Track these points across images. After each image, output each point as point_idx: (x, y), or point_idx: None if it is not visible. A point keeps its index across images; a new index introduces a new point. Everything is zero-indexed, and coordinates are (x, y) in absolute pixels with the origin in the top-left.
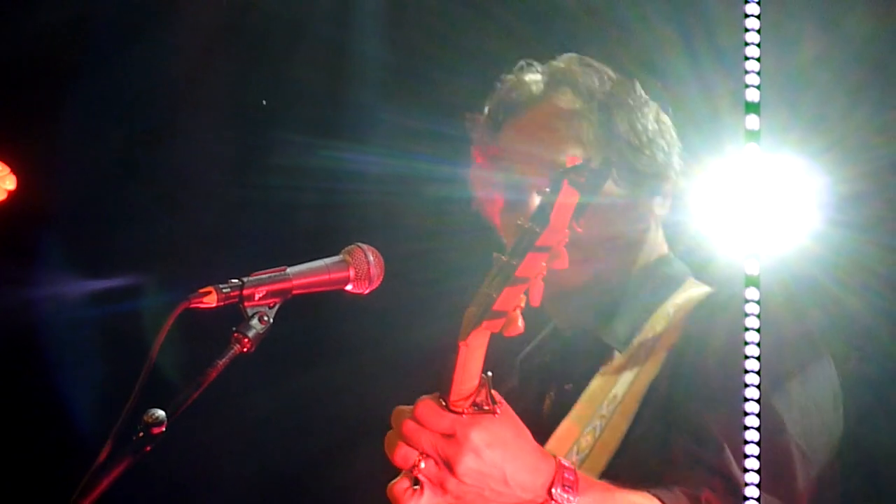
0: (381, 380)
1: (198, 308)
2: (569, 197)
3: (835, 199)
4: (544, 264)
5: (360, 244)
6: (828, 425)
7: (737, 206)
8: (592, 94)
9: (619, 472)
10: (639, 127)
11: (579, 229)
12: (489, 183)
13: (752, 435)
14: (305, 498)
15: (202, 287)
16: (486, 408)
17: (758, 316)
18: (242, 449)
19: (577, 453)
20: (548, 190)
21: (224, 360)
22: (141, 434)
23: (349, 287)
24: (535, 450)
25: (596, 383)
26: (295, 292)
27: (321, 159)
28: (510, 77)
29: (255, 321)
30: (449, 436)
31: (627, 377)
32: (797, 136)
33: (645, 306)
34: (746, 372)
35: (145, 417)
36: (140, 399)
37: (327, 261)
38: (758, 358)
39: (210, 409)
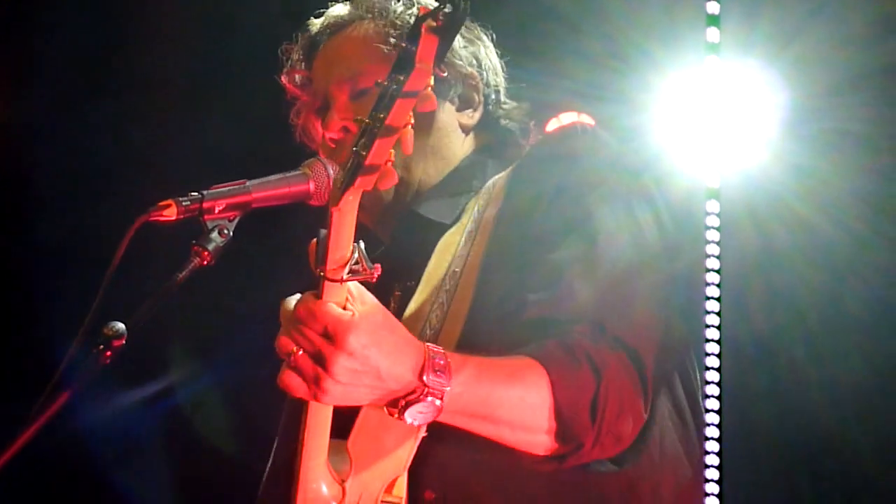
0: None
1: (157, 221)
2: (428, 42)
3: (795, 112)
4: (412, 111)
5: (320, 157)
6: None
7: (697, 119)
8: (387, 14)
9: (476, 338)
10: None
11: (442, 73)
12: (306, 108)
13: (712, 347)
14: None
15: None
16: (362, 272)
17: (718, 229)
18: None
19: (430, 329)
20: (405, 44)
21: (184, 273)
22: (101, 346)
23: (311, 200)
24: (406, 341)
25: (433, 263)
26: (255, 205)
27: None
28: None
29: (214, 234)
30: (327, 336)
31: (464, 250)
32: (757, 50)
33: (467, 181)
34: (707, 289)
35: (105, 330)
36: (99, 313)
37: (287, 174)
38: (718, 271)
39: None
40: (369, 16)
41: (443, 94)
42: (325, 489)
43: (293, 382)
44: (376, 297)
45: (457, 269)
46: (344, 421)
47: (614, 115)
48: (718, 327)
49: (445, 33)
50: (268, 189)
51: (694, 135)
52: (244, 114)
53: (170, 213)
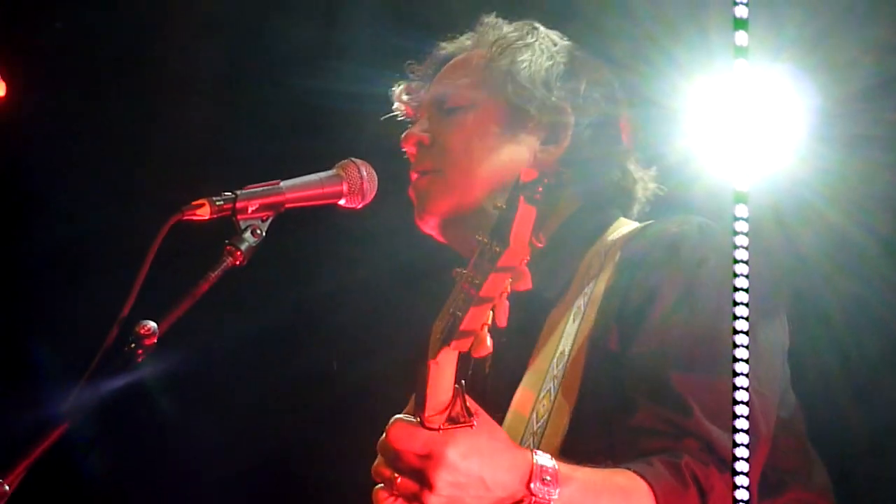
0: (375, 295)
1: (191, 220)
2: (526, 214)
3: (822, 116)
4: (508, 284)
5: (353, 159)
6: (776, 369)
7: (725, 123)
8: (496, 38)
9: (581, 438)
10: (520, 65)
11: (539, 244)
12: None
13: (741, 381)
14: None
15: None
16: (461, 420)
17: (747, 234)
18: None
19: (537, 421)
20: (503, 206)
21: (216, 272)
22: (133, 345)
23: (342, 202)
24: (509, 448)
25: (540, 344)
26: (288, 206)
27: (315, 78)
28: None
29: (247, 234)
30: (424, 456)
31: (571, 329)
32: (785, 55)
33: (572, 250)
34: (736, 306)
35: (137, 328)
36: (132, 311)
37: (321, 175)
38: (746, 290)
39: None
40: (482, 47)
41: (520, 126)
42: None
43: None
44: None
45: (564, 351)
46: None
47: (642, 119)
48: (747, 333)
49: (545, 206)
50: (301, 190)
51: (722, 139)
52: (272, 115)
53: (203, 212)
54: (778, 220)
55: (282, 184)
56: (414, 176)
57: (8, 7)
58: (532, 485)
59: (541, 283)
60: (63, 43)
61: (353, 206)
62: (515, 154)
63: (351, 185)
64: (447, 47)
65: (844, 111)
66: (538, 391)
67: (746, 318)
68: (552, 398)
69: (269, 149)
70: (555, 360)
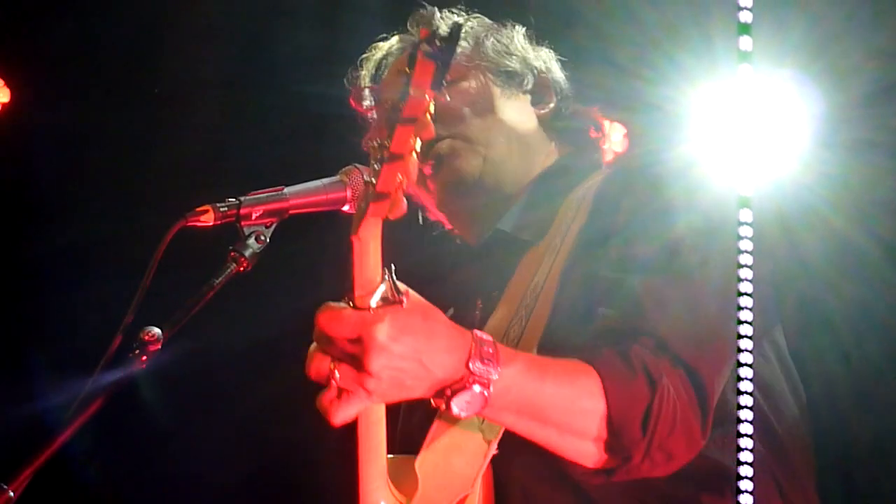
0: None
1: (195, 226)
2: (424, 66)
3: (826, 122)
4: (413, 138)
5: (357, 165)
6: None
7: (729, 128)
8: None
9: (551, 350)
10: (503, 39)
11: (442, 98)
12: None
13: (745, 372)
14: None
15: (199, 206)
16: (391, 299)
17: (751, 239)
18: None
19: (508, 341)
20: (408, 69)
21: (221, 279)
22: (137, 351)
23: (346, 207)
24: (448, 327)
25: (516, 277)
26: (292, 212)
27: (318, 84)
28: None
29: (251, 240)
30: (355, 339)
31: (546, 265)
32: (789, 60)
33: (552, 196)
34: (740, 306)
35: (142, 334)
36: (137, 317)
37: (324, 181)
38: (750, 280)
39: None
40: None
41: (516, 86)
42: None
43: (338, 400)
44: (459, 307)
45: (538, 283)
46: (414, 441)
47: (645, 124)
48: (751, 337)
49: (441, 58)
50: (305, 196)
51: (725, 143)
52: (275, 121)
53: (207, 218)
54: (781, 225)
55: (285, 190)
56: (426, 168)
57: (13, 14)
58: (471, 363)
59: (520, 225)
60: (67, 49)
61: None
62: (507, 124)
63: (355, 191)
64: (382, 46)
65: (848, 117)
66: (511, 318)
67: (750, 323)
68: (523, 325)
69: (272, 154)
70: (528, 291)
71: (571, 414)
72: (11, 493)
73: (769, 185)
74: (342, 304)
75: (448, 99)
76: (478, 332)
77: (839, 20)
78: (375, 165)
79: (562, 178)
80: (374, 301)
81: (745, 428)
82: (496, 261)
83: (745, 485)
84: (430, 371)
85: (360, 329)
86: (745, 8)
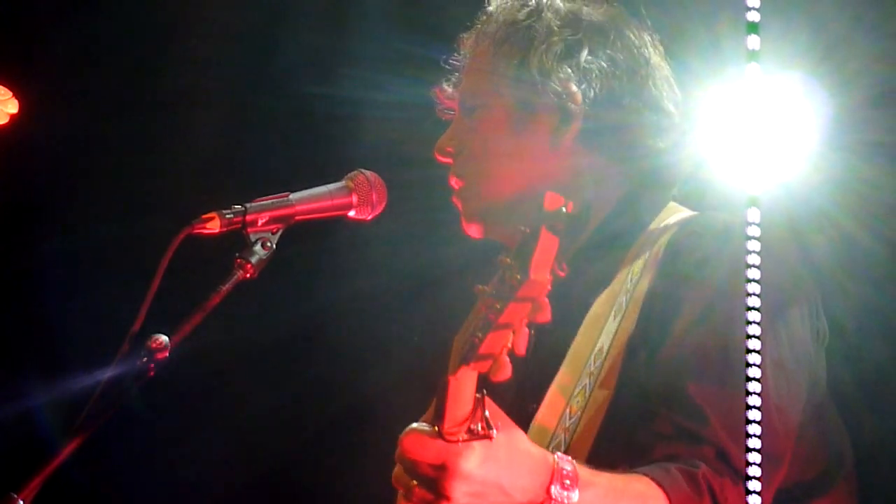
0: (384, 305)
1: (201, 234)
2: (547, 244)
3: (834, 123)
4: (527, 313)
5: (362, 170)
6: (800, 379)
7: (737, 127)
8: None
9: (611, 438)
10: (528, 58)
11: (561, 273)
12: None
13: (753, 399)
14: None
15: (205, 213)
16: (480, 432)
17: (759, 239)
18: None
19: (570, 417)
20: (527, 231)
21: (227, 285)
22: (144, 359)
23: (352, 213)
24: (528, 452)
25: (580, 337)
26: (298, 218)
27: (324, 86)
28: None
29: (257, 247)
30: (438, 467)
31: (612, 326)
32: (797, 62)
33: (617, 242)
34: (749, 300)
35: (149, 342)
36: (143, 325)
37: (330, 186)
38: (759, 281)
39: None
40: (484, 40)
41: (531, 119)
42: None
43: None
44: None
45: (603, 347)
46: None
47: (652, 125)
48: (759, 337)
49: (565, 234)
50: (311, 202)
51: (734, 145)
52: (281, 124)
53: (213, 225)
54: (790, 226)
55: (291, 196)
56: (450, 181)
57: (21, 23)
58: (552, 488)
59: (584, 275)
60: (73, 56)
61: (363, 217)
62: (531, 147)
63: (360, 196)
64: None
65: (855, 119)
66: (574, 385)
67: (759, 323)
68: (587, 394)
69: (278, 158)
70: (593, 356)
71: None
72: (21, 502)
73: (777, 187)
74: (427, 428)
75: (466, 135)
76: (559, 455)
77: (846, 23)
78: (482, 323)
79: (629, 217)
80: (463, 434)
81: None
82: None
83: (754, 489)
84: (510, 496)
85: (445, 457)
86: (753, 8)
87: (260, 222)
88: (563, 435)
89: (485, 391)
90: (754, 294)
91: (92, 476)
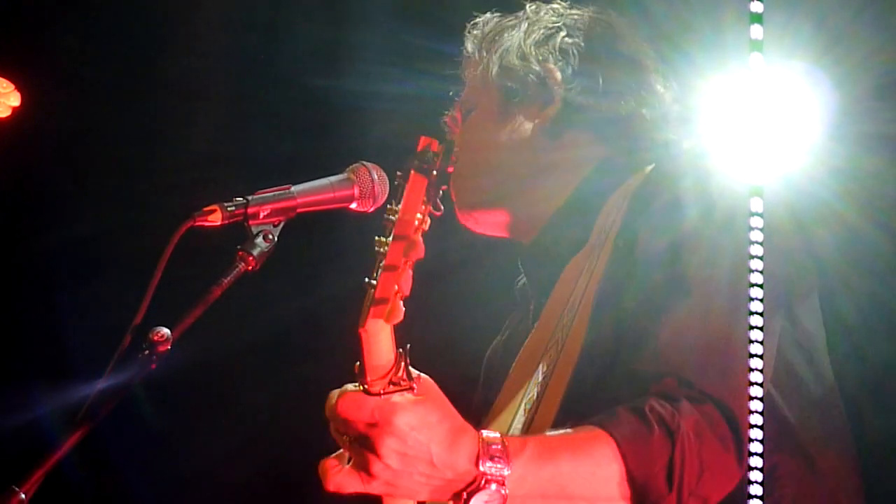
0: None
1: (202, 226)
2: (415, 184)
3: (837, 115)
4: (404, 258)
5: (364, 162)
6: (804, 375)
7: (740, 118)
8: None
9: (582, 388)
10: (508, 46)
11: (437, 213)
12: None
13: (756, 375)
14: None
15: (207, 205)
16: (402, 384)
17: (762, 229)
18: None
19: (542, 374)
20: (399, 173)
21: (229, 278)
22: (146, 352)
23: (354, 205)
24: (458, 429)
25: (557, 290)
26: (299, 210)
27: (327, 78)
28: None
29: (259, 239)
30: (372, 424)
31: (582, 283)
32: (800, 53)
33: (591, 205)
34: (751, 299)
35: (151, 335)
36: (145, 317)
37: (332, 178)
38: (761, 272)
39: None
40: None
41: (515, 107)
42: None
43: (341, 471)
44: (518, 308)
45: (576, 301)
46: None
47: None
48: (761, 328)
49: (436, 175)
50: (312, 194)
51: (736, 134)
52: (282, 116)
53: (215, 218)
54: (793, 218)
55: (293, 188)
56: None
57: (22, 18)
58: (481, 465)
59: (559, 238)
60: (76, 48)
61: (365, 209)
62: (516, 138)
63: (362, 188)
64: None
65: (860, 109)
66: (548, 338)
67: (761, 314)
68: (559, 348)
69: (280, 150)
70: (566, 310)
71: (595, 484)
72: (23, 496)
73: (780, 179)
74: (356, 388)
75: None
76: (484, 433)
77: (850, 13)
78: (375, 270)
79: (600, 181)
80: (386, 386)
81: (756, 424)
82: (540, 274)
83: (755, 480)
84: (439, 471)
85: (379, 415)
86: None
87: (262, 214)
88: (535, 389)
89: (408, 346)
90: (756, 284)
91: (91, 468)
